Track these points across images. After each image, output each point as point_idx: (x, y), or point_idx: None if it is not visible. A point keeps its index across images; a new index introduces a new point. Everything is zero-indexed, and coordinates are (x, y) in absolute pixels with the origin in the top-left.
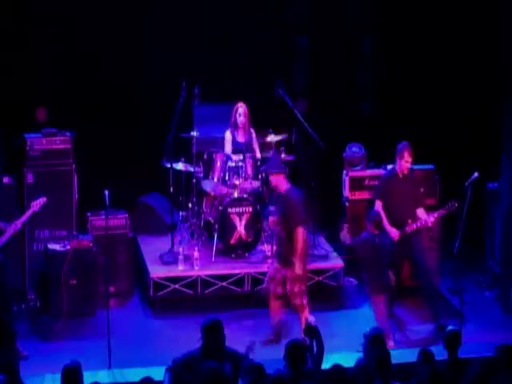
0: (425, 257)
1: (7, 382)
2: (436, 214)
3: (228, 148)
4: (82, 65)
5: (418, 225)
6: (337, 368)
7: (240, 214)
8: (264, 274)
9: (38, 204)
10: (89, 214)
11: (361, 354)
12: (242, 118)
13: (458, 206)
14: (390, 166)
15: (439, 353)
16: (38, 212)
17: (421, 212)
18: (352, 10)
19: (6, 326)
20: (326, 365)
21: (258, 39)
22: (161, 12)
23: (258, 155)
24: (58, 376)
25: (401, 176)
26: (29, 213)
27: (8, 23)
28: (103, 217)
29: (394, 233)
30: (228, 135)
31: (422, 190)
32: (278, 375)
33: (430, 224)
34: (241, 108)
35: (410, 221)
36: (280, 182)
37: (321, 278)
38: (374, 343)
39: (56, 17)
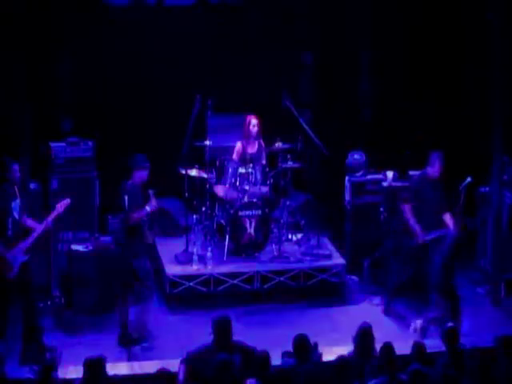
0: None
1: (39, 373)
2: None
3: (236, 157)
4: (103, 79)
5: (442, 233)
6: (342, 359)
7: (250, 217)
8: (272, 272)
9: (62, 205)
10: (110, 217)
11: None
12: (254, 128)
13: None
14: (416, 172)
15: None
16: (62, 213)
17: (447, 217)
18: (352, 26)
19: (32, 323)
20: (330, 357)
21: (267, 55)
22: (177, 30)
23: (264, 162)
24: (81, 368)
25: (431, 182)
26: (54, 213)
27: (32, 38)
28: None
29: (420, 236)
30: (239, 146)
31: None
32: (285, 365)
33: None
34: (253, 120)
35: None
36: None
37: (325, 276)
38: (363, 337)
39: (77, 32)
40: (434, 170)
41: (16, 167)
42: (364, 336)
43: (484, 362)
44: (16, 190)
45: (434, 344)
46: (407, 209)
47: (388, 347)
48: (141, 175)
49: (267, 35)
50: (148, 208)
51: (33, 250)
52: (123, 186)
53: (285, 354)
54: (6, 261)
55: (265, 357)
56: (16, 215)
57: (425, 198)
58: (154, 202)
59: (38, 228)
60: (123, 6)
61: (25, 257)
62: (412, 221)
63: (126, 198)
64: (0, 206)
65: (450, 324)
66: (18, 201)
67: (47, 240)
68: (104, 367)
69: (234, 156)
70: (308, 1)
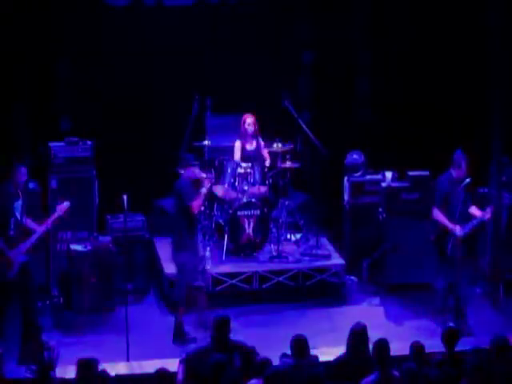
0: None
1: (36, 372)
2: (489, 209)
3: (237, 156)
4: (102, 80)
5: (477, 221)
6: (340, 359)
7: (248, 217)
8: (271, 272)
9: (62, 208)
10: (108, 217)
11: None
12: (250, 127)
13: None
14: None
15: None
16: (62, 215)
17: (474, 210)
18: (351, 26)
19: (31, 322)
20: (329, 357)
21: (266, 55)
22: (175, 30)
23: (267, 163)
24: None
25: (457, 182)
26: (54, 216)
27: (32, 38)
28: (122, 219)
29: (458, 230)
30: (238, 144)
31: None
32: (283, 366)
33: (486, 219)
34: (248, 118)
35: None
36: None
37: (324, 276)
38: (357, 337)
39: (76, 32)
40: (460, 171)
41: (24, 170)
42: (356, 336)
43: (482, 362)
44: (19, 191)
45: (432, 344)
46: (437, 212)
47: (380, 343)
48: (190, 172)
49: (267, 35)
50: (204, 189)
51: (32, 250)
52: (178, 186)
53: (283, 356)
54: (8, 259)
55: (266, 363)
56: (18, 215)
57: (453, 199)
58: (207, 182)
59: (38, 230)
60: (123, 6)
61: (25, 257)
62: (446, 221)
63: (183, 194)
64: (2, 205)
65: (450, 324)
66: (20, 201)
67: (46, 240)
68: (96, 368)
69: (235, 153)
70: (308, 1)
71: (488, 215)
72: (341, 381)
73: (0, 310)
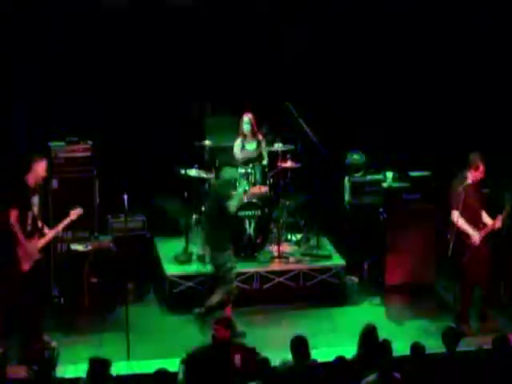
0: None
1: (37, 372)
2: (499, 217)
3: (238, 154)
4: (102, 79)
5: (489, 229)
6: (341, 359)
7: (249, 217)
8: (271, 272)
9: (75, 213)
10: (109, 217)
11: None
12: (248, 126)
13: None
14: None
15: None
16: (73, 220)
17: (485, 217)
18: (352, 26)
19: (33, 322)
20: (329, 357)
21: (267, 55)
22: (176, 30)
23: (266, 162)
24: (80, 366)
25: (472, 184)
26: (67, 220)
27: (32, 38)
28: (122, 219)
29: (475, 237)
30: (238, 143)
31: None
32: (284, 366)
33: (497, 227)
34: (247, 117)
35: (481, 225)
36: None
37: (324, 277)
38: (368, 338)
39: (77, 32)
40: (477, 173)
41: (45, 165)
42: (369, 336)
43: (482, 363)
44: (37, 186)
45: (433, 345)
46: (456, 214)
47: (383, 344)
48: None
49: (267, 35)
50: (240, 190)
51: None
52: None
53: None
54: (27, 252)
55: (265, 362)
56: (35, 211)
57: (469, 201)
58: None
59: (49, 234)
60: (123, 6)
61: (39, 255)
62: (466, 226)
63: (220, 195)
64: (23, 199)
65: (451, 325)
66: (37, 197)
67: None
68: (109, 370)
69: (236, 153)
70: (308, 1)
71: (498, 224)
72: (346, 380)
73: (10, 302)
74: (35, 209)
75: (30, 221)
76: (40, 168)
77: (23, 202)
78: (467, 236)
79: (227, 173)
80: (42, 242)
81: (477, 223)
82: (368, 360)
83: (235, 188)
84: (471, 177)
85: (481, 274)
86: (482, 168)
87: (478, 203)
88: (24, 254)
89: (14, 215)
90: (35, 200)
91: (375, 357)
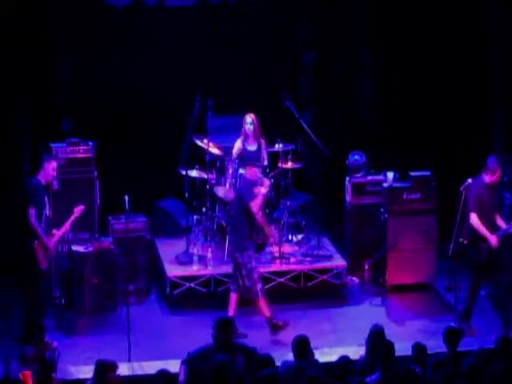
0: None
1: (39, 373)
2: None
3: (235, 154)
4: (103, 80)
5: (503, 232)
6: (344, 359)
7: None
8: (272, 273)
9: (78, 210)
10: (110, 218)
11: (363, 348)
12: (251, 127)
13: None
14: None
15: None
16: (78, 217)
17: (499, 220)
18: (352, 27)
19: (35, 322)
20: (331, 357)
21: (267, 55)
22: (177, 30)
23: (266, 163)
24: (81, 368)
25: (489, 187)
26: (72, 218)
27: (32, 38)
28: (123, 220)
29: (493, 240)
30: (238, 143)
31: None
32: (285, 366)
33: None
34: (249, 118)
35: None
36: None
37: (325, 277)
38: (375, 338)
39: (78, 32)
40: (494, 176)
41: (54, 165)
42: (376, 337)
43: (484, 363)
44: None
45: (434, 345)
46: (474, 217)
47: (388, 345)
48: (251, 173)
49: (267, 35)
50: (263, 189)
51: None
52: (238, 187)
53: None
54: (47, 249)
55: (267, 359)
56: (47, 210)
57: (484, 204)
58: (266, 182)
59: (57, 233)
60: (123, 7)
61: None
62: (483, 229)
63: (243, 194)
64: (38, 198)
65: (452, 324)
66: (46, 198)
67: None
68: (115, 372)
69: (234, 153)
70: (308, 1)
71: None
72: (348, 380)
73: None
74: (47, 208)
75: (43, 218)
76: (51, 167)
77: (39, 203)
78: (483, 238)
79: (249, 173)
80: (53, 240)
81: (491, 226)
82: (374, 360)
83: (258, 187)
84: (487, 180)
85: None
86: (498, 173)
87: (493, 206)
88: (42, 252)
89: (32, 214)
90: (46, 200)
91: (381, 357)
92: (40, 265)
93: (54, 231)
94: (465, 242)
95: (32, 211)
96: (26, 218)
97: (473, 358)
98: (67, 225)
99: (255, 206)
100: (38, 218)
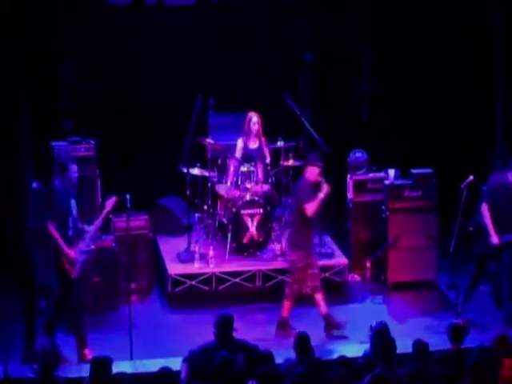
0: None
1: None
2: None
3: (238, 154)
4: (104, 79)
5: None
6: (343, 358)
7: (252, 216)
8: (274, 270)
9: (110, 203)
10: (111, 216)
11: (366, 345)
12: (255, 126)
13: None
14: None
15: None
16: (110, 210)
17: None
18: (352, 26)
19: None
20: (332, 355)
21: (268, 54)
22: (177, 29)
23: (268, 160)
24: (82, 367)
25: (510, 183)
26: (105, 212)
27: (33, 38)
28: (125, 218)
29: (495, 239)
30: (240, 143)
31: None
32: (288, 364)
33: None
34: (254, 117)
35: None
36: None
37: (327, 275)
38: (380, 336)
39: (78, 31)
40: None
41: (75, 167)
42: (382, 334)
43: (485, 360)
44: (71, 189)
45: (436, 342)
46: (485, 208)
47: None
48: (311, 173)
49: (268, 34)
50: (321, 194)
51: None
52: (297, 185)
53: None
54: (73, 262)
55: (268, 356)
56: (75, 214)
57: (500, 201)
58: (325, 187)
59: (91, 229)
60: (124, 6)
61: (85, 256)
62: (489, 221)
63: (300, 194)
64: (61, 204)
65: (456, 321)
66: (74, 200)
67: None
68: (110, 367)
69: (236, 153)
70: (308, 0)
71: None
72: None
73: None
74: (74, 212)
75: (71, 225)
76: (71, 169)
77: (62, 208)
78: (488, 234)
79: (308, 172)
80: (85, 242)
81: (506, 225)
82: (378, 357)
83: (317, 190)
84: (510, 178)
85: None
86: None
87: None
88: (69, 263)
89: (52, 227)
90: (73, 203)
91: (385, 354)
92: (70, 275)
93: (87, 228)
94: (470, 229)
95: (52, 225)
96: (45, 230)
97: (478, 354)
98: (99, 221)
99: (310, 209)
100: (62, 226)
